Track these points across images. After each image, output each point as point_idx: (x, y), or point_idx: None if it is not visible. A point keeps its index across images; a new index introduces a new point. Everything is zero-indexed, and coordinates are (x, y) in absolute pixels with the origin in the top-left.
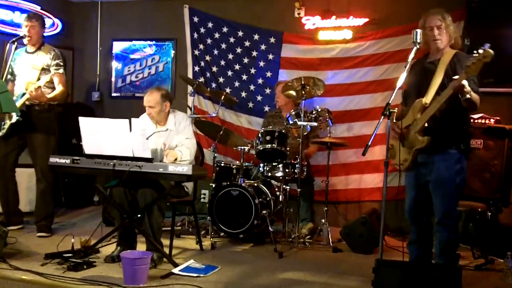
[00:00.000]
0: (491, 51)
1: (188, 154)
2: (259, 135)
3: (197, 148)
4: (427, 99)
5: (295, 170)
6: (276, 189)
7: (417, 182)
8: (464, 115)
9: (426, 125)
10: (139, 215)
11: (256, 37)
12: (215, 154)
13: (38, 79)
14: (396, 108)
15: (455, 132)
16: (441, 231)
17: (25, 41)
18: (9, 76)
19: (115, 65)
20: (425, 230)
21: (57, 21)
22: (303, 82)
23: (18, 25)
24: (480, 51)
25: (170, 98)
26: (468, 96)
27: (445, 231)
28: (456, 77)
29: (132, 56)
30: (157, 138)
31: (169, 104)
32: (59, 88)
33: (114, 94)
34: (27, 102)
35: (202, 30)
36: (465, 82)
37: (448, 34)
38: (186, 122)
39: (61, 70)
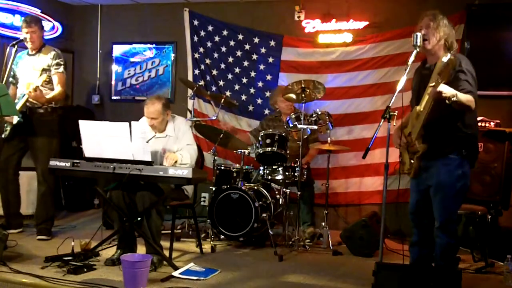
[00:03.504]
0: (452, 57)
1: (189, 158)
2: (259, 138)
3: (197, 152)
4: (421, 106)
5: (295, 173)
6: (276, 192)
7: (419, 186)
8: (460, 118)
9: (423, 132)
10: (138, 218)
11: (256, 40)
12: (215, 157)
13: None
14: (396, 112)
15: (454, 136)
16: (441, 236)
17: (28, 45)
18: (11, 80)
19: (115, 68)
20: (427, 232)
21: (57, 24)
22: (303, 85)
23: (18, 29)
24: (445, 59)
25: (170, 106)
26: (454, 99)
27: (444, 236)
28: (432, 84)
29: (132, 59)
30: (156, 144)
31: (170, 112)
32: (57, 88)
33: (114, 97)
34: (28, 104)
35: (202, 33)
36: (443, 88)
37: (438, 35)
38: (185, 127)
39: (60, 69)
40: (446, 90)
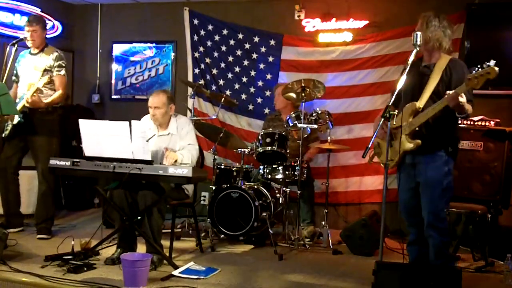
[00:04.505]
0: (496, 68)
1: (189, 157)
2: (259, 137)
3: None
4: (421, 103)
5: (295, 172)
6: (276, 191)
7: (408, 184)
8: (455, 121)
9: (417, 129)
10: (139, 217)
11: (256, 39)
12: (215, 156)
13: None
14: (396, 111)
15: (444, 136)
16: (433, 235)
17: (28, 44)
18: (14, 78)
19: (115, 67)
20: (423, 230)
21: (57, 23)
22: (303, 85)
23: (18, 28)
24: (485, 66)
25: (175, 101)
26: (466, 114)
27: (436, 234)
28: (450, 92)
29: (132, 59)
30: (159, 142)
31: (174, 107)
32: (58, 91)
33: (114, 97)
34: (27, 105)
35: (202, 32)
36: (462, 99)
37: (426, 37)
38: (188, 127)
39: (62, 72)
40: (465, 104)
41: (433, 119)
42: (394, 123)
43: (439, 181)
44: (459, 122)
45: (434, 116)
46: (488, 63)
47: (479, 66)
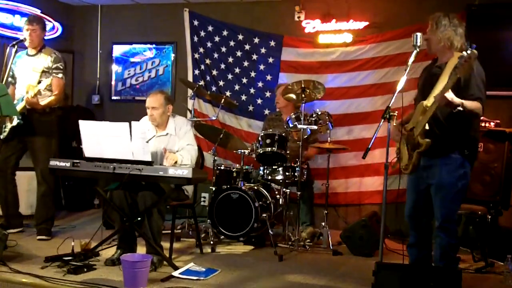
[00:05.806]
0: (475, 51)
1: (189, 158)
2: (259, 138)
3: (198, 153)
4: (429, 101)
5: (295, 173)
6: (276, 192)
7: (418, 186)
8: (469, 120)
9: (427, 128)
10: (139, 218)
11: (256, 40)
12: (215, 157)
13: (39, 82)
14: (396, 112)
15: (459, 137)
16: (441, 236)
17: (26, 44)
18: (10, 79)
19: (115, 68)
20: (424, 233)
21: (57, 24)
22: (303, 86)
23: (18, 29)
24: (466, 53)
25: (172, 102)
26: (460, 108)
27: (445, 235)
28: (437, 91)
29: (132, 60)
30: (157, 143)
31: (171, 108)
32: (54, 94)
33: (114, 98)
34: (27, 106)
35: (202, 33)
36: (448, 94)
37: (437, 38)
38: (186, 127)
39: (60, 75)
40: (453, 98)
41: (445, 118)
42: (395, 124)
43: (453, 184)
44: (481, 123)
45: (446, 115)
46: (470, 48)
47: (464, 53)
